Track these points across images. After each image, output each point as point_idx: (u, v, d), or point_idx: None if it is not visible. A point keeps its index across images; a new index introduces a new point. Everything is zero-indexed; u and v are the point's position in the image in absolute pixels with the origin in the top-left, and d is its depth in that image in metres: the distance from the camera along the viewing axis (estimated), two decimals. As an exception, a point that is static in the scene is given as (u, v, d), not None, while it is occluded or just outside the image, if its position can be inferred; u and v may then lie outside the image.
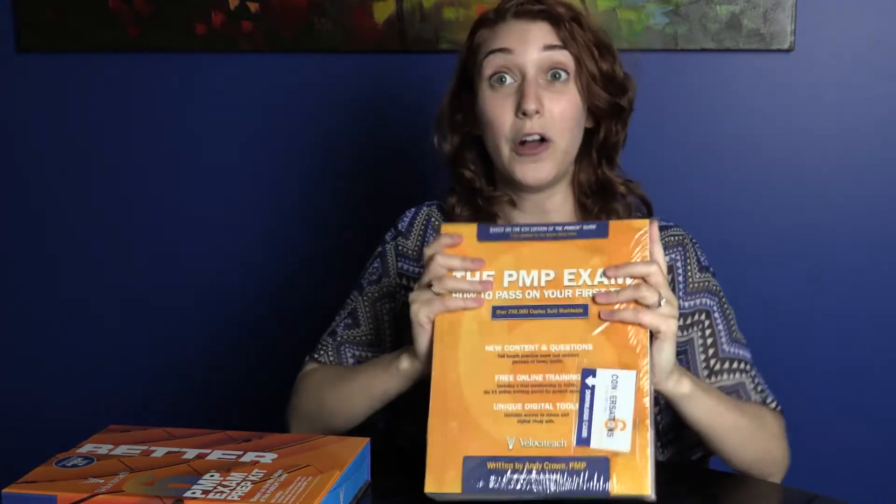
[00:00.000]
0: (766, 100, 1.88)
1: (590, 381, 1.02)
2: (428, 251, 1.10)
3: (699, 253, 1.36)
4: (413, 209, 1.44)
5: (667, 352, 1.07)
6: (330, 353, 1.37)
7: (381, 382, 1.20)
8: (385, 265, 1.40)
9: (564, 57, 1.27)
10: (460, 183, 1.38)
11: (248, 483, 1.00)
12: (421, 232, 1.41)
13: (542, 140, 1.27)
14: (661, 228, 1.37)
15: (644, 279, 1.05)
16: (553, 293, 1.06)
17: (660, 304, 1.05)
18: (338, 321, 1.41)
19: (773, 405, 1.31)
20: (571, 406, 1.02)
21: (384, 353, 1.28)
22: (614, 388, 1.01)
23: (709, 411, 1.16)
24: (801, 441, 1.90)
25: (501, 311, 1.06)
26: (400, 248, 1.40)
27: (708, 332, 1.32)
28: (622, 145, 1.36)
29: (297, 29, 1.98)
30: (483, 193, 1.36)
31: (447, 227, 1.12)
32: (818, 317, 1.91)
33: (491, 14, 1.33)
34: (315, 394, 1.32)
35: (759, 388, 1.31)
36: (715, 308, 1.33)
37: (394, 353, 1.19)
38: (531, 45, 1.27)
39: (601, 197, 1.35)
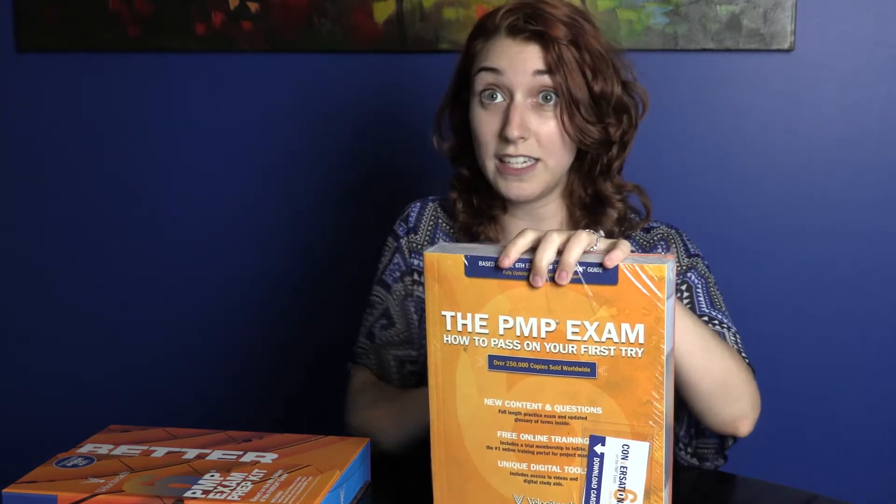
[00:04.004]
0: (766, 100, 1.88)
1: (598, 448, 0.95)
2: None
3: (688, 243, 1.37)
4: (418, 203, 1.45)
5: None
6: (371, 357, 1.39)
7: (415, 412, 1.21)
8: (405, 262, 1.41)
9: (552, 82, 1.25)
10: (459, 180, 1.39)
11: (249, 483, 1.00)
12: (430, 229, 1.42)
13: (527, 162, 1.27)
14: (647, 230, 1.38)
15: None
16: (555, 347, 0.95)
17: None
18: (371, 321, 1.41)
19: (747, 362, 1.28)
20: (579, 471, 0.96)
21: (420, 355, 1.30)
22: (625, 458, 0.94)
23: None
24: (802, 441, 1.91)
25: (499, 362, 0.97)
26: (412, 244, 1.42)
27: (686, 300, 1.31)
28: (619, 167, 1.34)
29: (297, 29, 1.98)
30: (479, 193, 1.37)
31: (431, 256, 0.98)
32: (817, 316, 1.91)
33: (488, 24, 1.30)
34: (365, 414, 1.35)
35: (740, 345, 1.30)
36: (699, 285, 1.33)
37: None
38: (520, 69, 1.25)
39: (594, 210, 1.35)
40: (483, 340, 0.97)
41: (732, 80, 1.89)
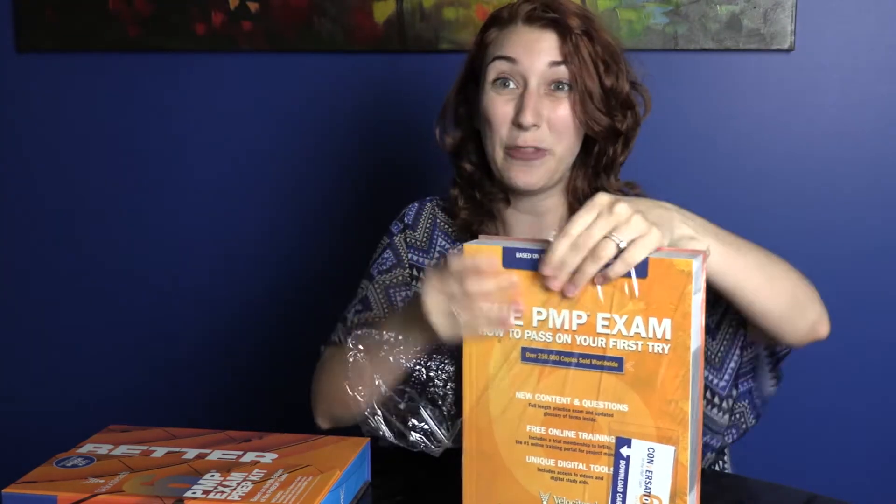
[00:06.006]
0: (766, 100, 1.88)
1: (624, 451, 0.95)
2: (455, 267, 1.00)
3: None
4: (416, 203, 1.45)
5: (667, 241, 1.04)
6: (342, 336, 1.36)
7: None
8: (397, 255, 1.41)
9: (566, 72, 1.27)
10: (461, 175, 1.39)
11: (249, 483, 1.00)
12: (428, 227, 1.42)
13: (537, 149, 1.28)
14: None
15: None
16: (585, 340, 0.96)
17: (621, 245, 0.93)
18: (348, 308, 1.41)
19: None
20: (605, 470, 0.97)
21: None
22: (650, 462, 0.94)
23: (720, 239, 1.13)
24: (802, 441, 1.91)
25: (531, 355, 0.98)
26: (409, 240, 1.41)
27: None
28: (622, 163, 1.36)
29: (297, 29, 1.98)
30: (482, 188, 1.37)
31: (471, 248, 0.99)
32: (818, 317, 1.91)
33: (504, 13, 1.32)
34: (328, 373, 1.30)
35: None
36: None
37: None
38: (536, 58, 1.27)
39: None
40: (517, 332, 0.98)
41: (732, 80, 1.89)
